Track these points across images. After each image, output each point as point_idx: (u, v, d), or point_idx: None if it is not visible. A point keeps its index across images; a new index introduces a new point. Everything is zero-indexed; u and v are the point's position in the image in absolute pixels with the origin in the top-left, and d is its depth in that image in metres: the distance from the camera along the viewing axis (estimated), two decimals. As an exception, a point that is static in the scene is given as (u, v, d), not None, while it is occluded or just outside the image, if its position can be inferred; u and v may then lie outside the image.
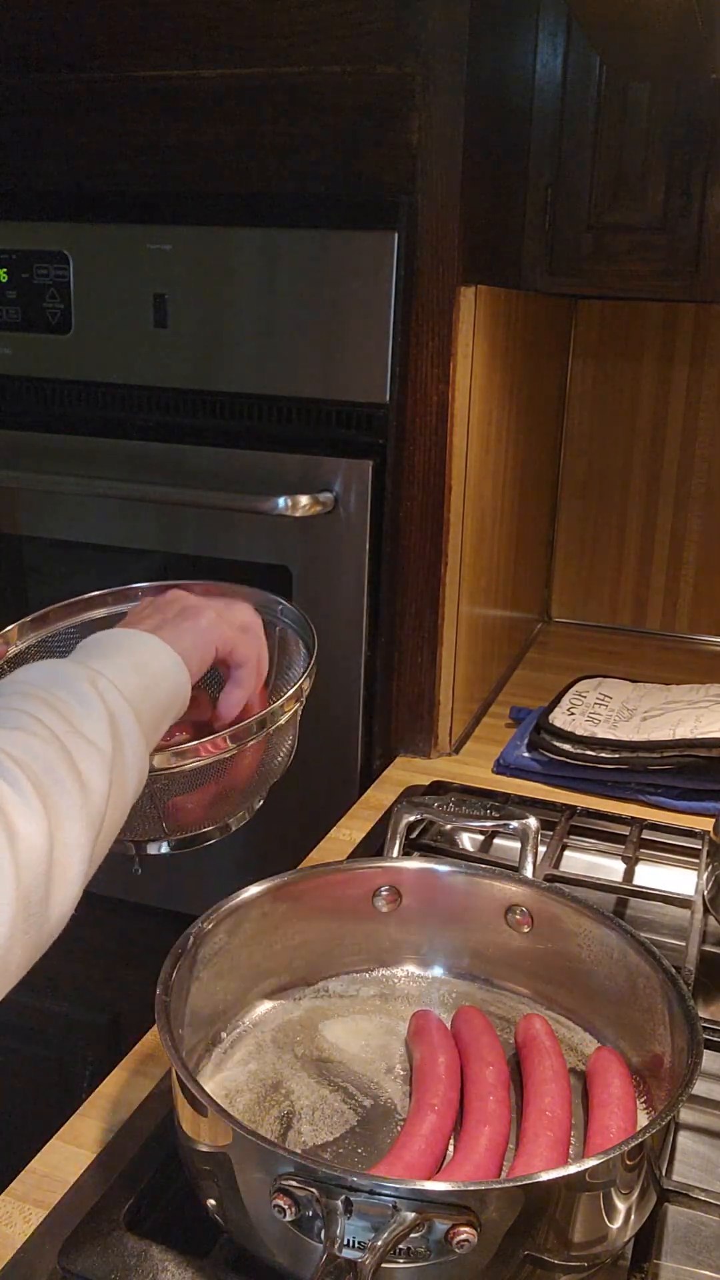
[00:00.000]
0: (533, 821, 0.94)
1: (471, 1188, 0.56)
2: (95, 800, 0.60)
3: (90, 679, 0.65)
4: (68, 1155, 0.74)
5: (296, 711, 0.82)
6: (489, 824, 0.98)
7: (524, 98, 1.39)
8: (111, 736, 0.63)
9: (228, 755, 0.77)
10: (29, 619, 0.90)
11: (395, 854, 0.93)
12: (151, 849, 0.81)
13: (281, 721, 0.80)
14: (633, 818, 1.14)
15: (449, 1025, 0.79)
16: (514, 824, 0.95)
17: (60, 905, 0.57)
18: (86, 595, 0.92)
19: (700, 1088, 0.80)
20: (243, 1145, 0.59)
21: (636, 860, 1.08)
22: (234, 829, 0.84)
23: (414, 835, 1.08)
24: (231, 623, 0.78)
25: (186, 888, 1.32)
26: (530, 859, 0.91)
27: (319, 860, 1.10)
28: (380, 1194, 0.55)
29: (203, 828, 0.82)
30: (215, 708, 0.79)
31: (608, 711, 1.37)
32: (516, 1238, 0.57)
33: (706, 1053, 0.71)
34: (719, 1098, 0.81)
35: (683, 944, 0.91)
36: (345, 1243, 0.56)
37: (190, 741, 0.75)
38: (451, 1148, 0.68)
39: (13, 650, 0.89)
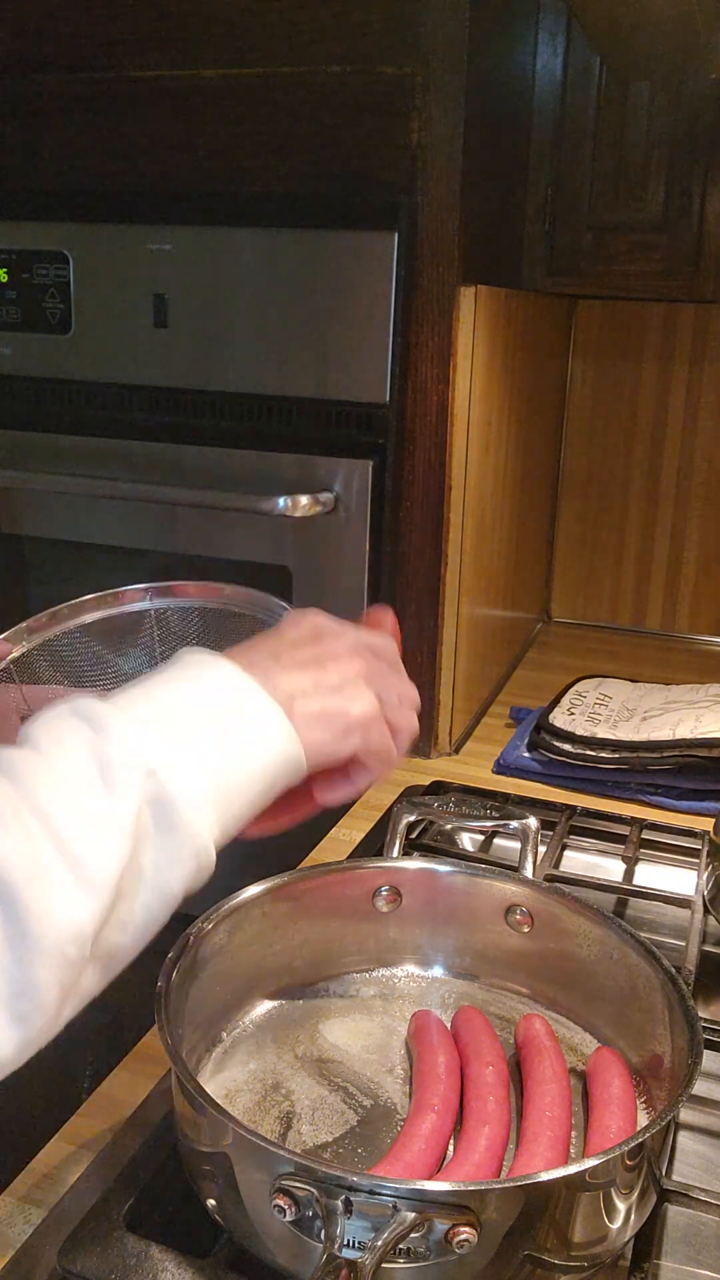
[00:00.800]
0: (533, 821, 0.94)
1: (471, 1188, 0.56)
2: (57, 930, 0.50)
3: (137, 751, 0.52)
4: (68, 1155, 0.74)
5: None
6: (489, 824, 0.98)
7: (524, 98, 1.39)
8: (130, 844, 0.52)
9: None
10: (40, 616, 0.90)
11: (395, 854, 0.93)
12: None
13: None
14: (633, 818, 1.13)
15: (449, 1025, 0.79)
16: (514, 824, 0.95)
17: None
18: (93, 595, 0.92)
19: (700, 1088, 0.80)
20: (243, 1145, 0.59)
21: (636, 860, 1.07)
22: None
23: (414, 835, 1.08)
24: (387, 701, 0.63)
25: (186, 888, 1.32)
26: (530, 859, 0.91)
27: (319, 860, 1.10)
28: (380, 1194, 0.55)
29: None
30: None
31: (608, 711, 1.37)
32: (516, 1238, 0.57)
33: (706, 1053, 0.71)
34: (719, 1098, 0.81)
35: (683, 944, 0.91)
36: (345, 1243, 0.56)
37: None
38: (451, 1148, 0.68)
39: (17, 652, 0.89)
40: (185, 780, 0.54)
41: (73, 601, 0.92)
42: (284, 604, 0.90)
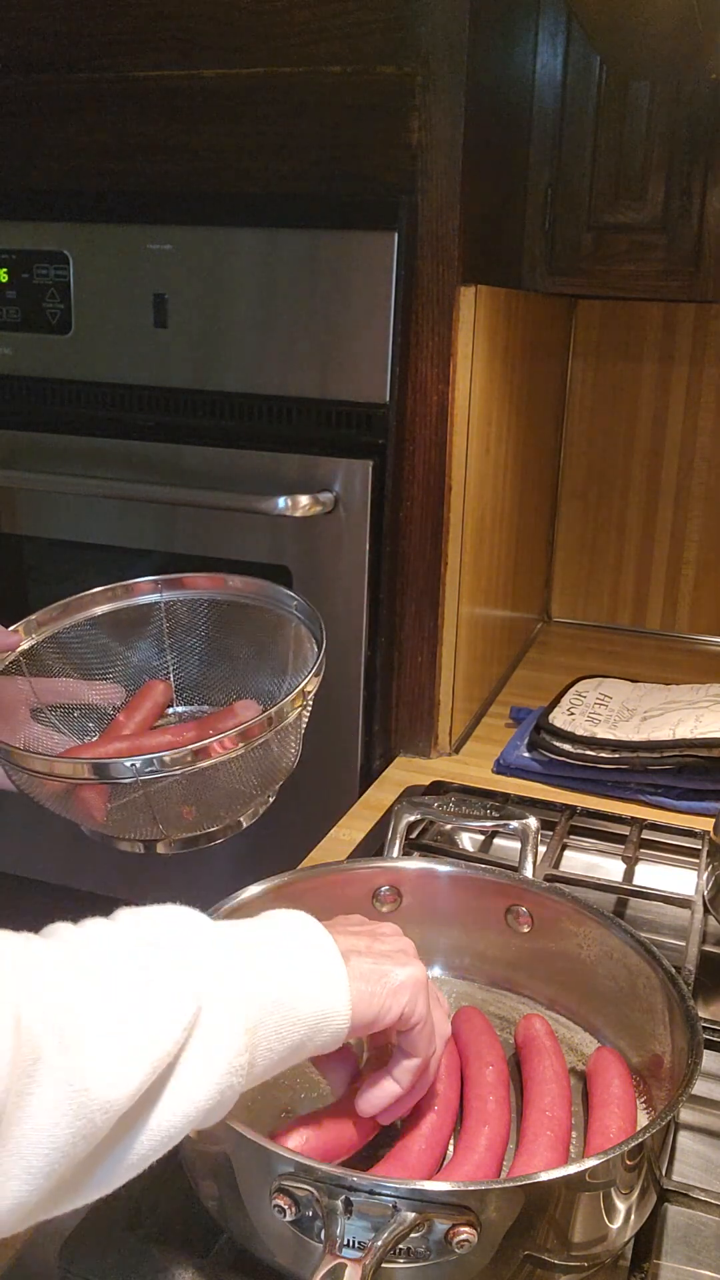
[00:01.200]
0: (533, 821, 0.94)
1: (471, 1188, 0.56)
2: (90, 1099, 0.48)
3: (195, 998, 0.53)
4: (68, 1155, 0.73)
5: (304, 710, 0.82)
6: (489, 824, 0.98)
7: (524, 98, 1.39)
8: (150, 1075, 0.51)
9: (235, 755, 0.76)
10: (49, 609, 0.90)
11: (395, 854, 0.93)
12: (160, 848, 0.81)
13: (289, 719, 0.79)
14: (633, 818, 1.13)
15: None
16: (514, 824, 0.95)
17: None
18: (102, 587, 0.92)
19: (700, 1088, 0.80)
20: (243, 1145, 0.59)
21: (636, 860, 1.07)
22: (245, 826, 0.84)
23: (414, 835, 1.08)
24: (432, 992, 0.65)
25: (186, 888, 1.32)
26: (530, 859, 0.91)
27: (319, 860, 1.10)
28: (380, 1194, 0.55)
29: (209, 827, 0.82)
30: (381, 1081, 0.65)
31: (608, 711, 1.37)
32: (516, 1238, 0.57)
33: (706, 1053, 0.71)
34: (719, 1098, 0.81)
35: (683, 944, 0.91)
36: (345, 1243, 0.56)
37: (197, 742, 0.75)
38: (451, 1148, 0.68)
39: (26, 644, 0.89)
40: (227, 1008, 0.55)
41: (82, 594, 0.92)
42: (293, 595, 0.90)
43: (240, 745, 0.76)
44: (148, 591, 0.94)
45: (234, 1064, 0.54)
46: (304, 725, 0.84)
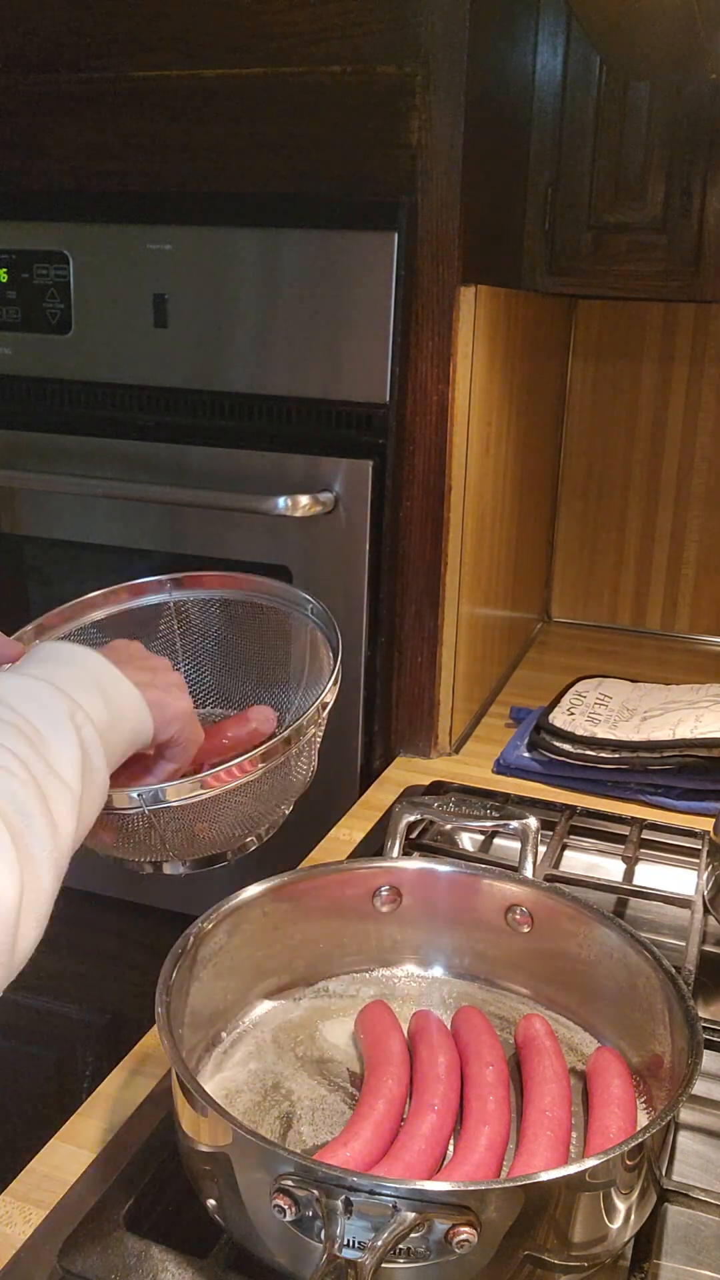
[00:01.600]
0: (533, 821, 0.94)
1: (471, 1188, 0.56)
2: (64, 843, 0.62)
3: (70, 712, 0.66)
4: (68, 1155, 0.74)
5: (319, 726, 0.81)
6: (489, 824, 0.98)
7: (524, 97, 1.39)
8: (82, 774, 0.64)
9: (253, 778, 0.76)
10: (51, 614, 0.89)
11: (395, 854, 0.93)
12: (168, 869, 0.81)
13: (308, 736, 0.79)
14: (633, 818, 1.14)
15: (449, 1025, 0.79)
16: (514, 824, 0.95)
17: (25, 946, 0.58)
18: (105, 589, 0.92)
19: (700, 1088, 0.80)
20: (243, 1145, 0.59)
21: (636, 860, 1.08)
22: (252, 849, 0.83)
23: (414, 835, 1.08)
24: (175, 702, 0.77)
25: (186, 888, 1.31)
26: (530, 859, 0.91)
27: (319, 860, 1.10)
28: (380, 1194, 0.55)
29: (221, 849, 0.81)
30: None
31: (608, 711, 1.37)
32: (516, 1238, 0.57)
33: (706, 1053, 0.72)
34: (719, 1098, 0.81)
35: (683, 944, 0.91)
36: (345, 1243, 0.56)
37: (211, 769, 0.74)
38: (451, 1148, 0.68)
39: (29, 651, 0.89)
40: (99, 731, 0.67)
41: (85, 597, 0.91)
42: (311, 600, 0.89)
43: (259, 768, 0.75)
44: (155, 591, 0.93)
45: (104, 784, 0.67)
46: (319, 740, 0.84)
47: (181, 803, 0.73)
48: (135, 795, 0.73)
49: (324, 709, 0.80)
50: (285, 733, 0.77)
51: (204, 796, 0.74)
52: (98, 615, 0.91)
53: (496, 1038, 0.76)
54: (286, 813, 0.84)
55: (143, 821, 0.74)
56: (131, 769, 0.76)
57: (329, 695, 0.80)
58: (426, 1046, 0.75)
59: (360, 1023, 0.79)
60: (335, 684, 0.81)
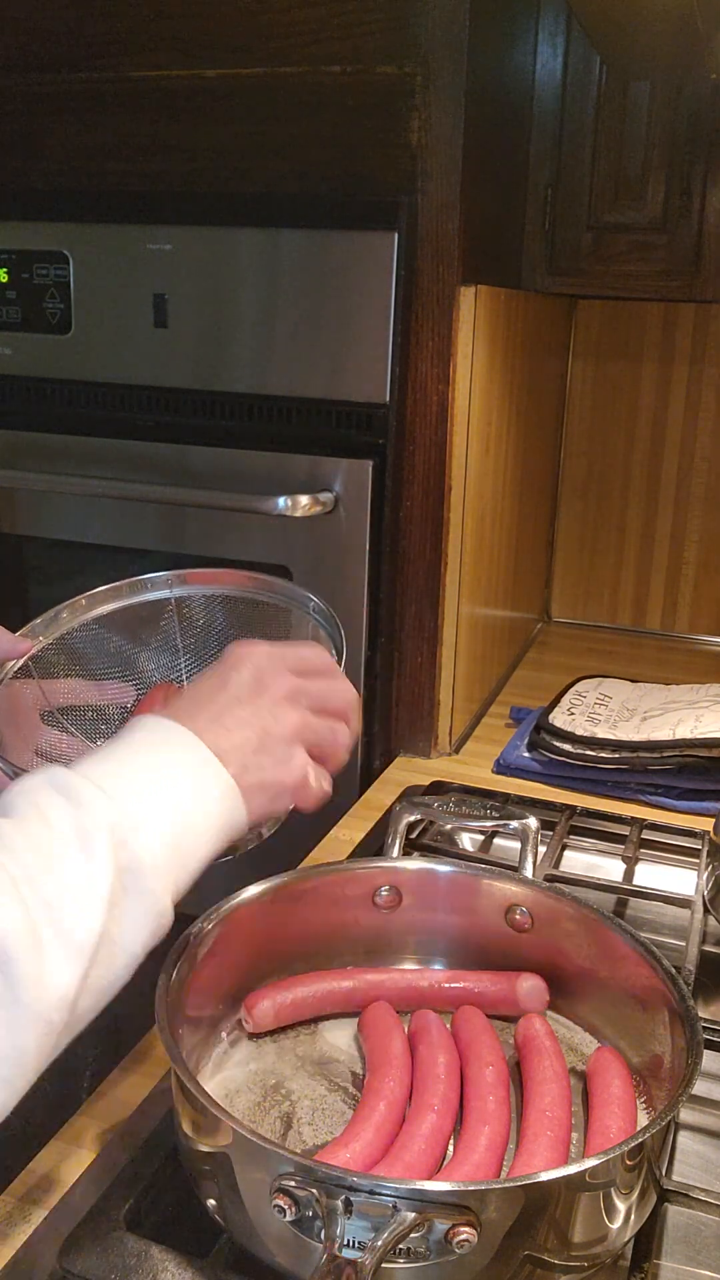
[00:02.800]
0: (533, 821, 0.94)
1: (471, 1188, 0.56)
2: (50, 996, 0.53)
3: (111, 824, 0.57)
4: (68, 1155, 0.74)
5: None
6: (489, 824, 0.97)
7: (524, 98, 1.39)
8: (107, 906, 0.56)
9: None
10: (57, 609, 0.89)
11: (395, 854, 0.93)
12: None
13: None
14: (633, 818, 1.14)
15: (449, 1025, 0.79)
16: (514, 824, 0.95)
17: None
18: (109, 585, 0.91)
19: (700, 1088, 0.80)
20: (243, 1145, 0.59)
21: (636, 860, 1.07)
22: (266, 836, 0.83)
23: (414, 835, 1.08)
24: (320, 744, 0.70)
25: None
26: (530, 859, 0.91)
27: (319, 860, 1.10)
28: (380, 1194, 0.55)
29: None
30: None
31: (608, 711, 1.37)
32: (516, 1238, 0.57)
33: (706, 1053, 0.71)
34: (719, 1098, 0.81)
35: (683, 944, 0.91)
36: (345, 1243, 0.56)
37: None
38: (451, 1147, 0.68)
39: (38, 646, 0.89)
40: (150, 848, 0.59)
41: (89, 593, 0.91)
42: (313, 598, 0.89)
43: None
44: (158, 588, 0.93)
45: (159, 907, 0.59)
46: None
47: None
48: None
49: None
50: None
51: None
52: (101, 611, 0.91)
53: (496, 1038, 0.76)
54: (284, 816, 0.84)
55: None
56: None
57: None
58: (426, 1046, 0.75)
59: (363, 1024, 0.79)
60: None
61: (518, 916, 0.83)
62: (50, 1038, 0.53)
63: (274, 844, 1.10)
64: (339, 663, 0.81)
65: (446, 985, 0.82)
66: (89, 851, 0.56)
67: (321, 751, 0.71)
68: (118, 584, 0.92)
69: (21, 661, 0.87)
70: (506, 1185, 0.57)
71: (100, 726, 0.91)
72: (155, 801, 0.60)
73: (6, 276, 1.35)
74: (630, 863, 1.07)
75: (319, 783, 0.70)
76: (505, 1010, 0.81)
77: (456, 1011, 0.80)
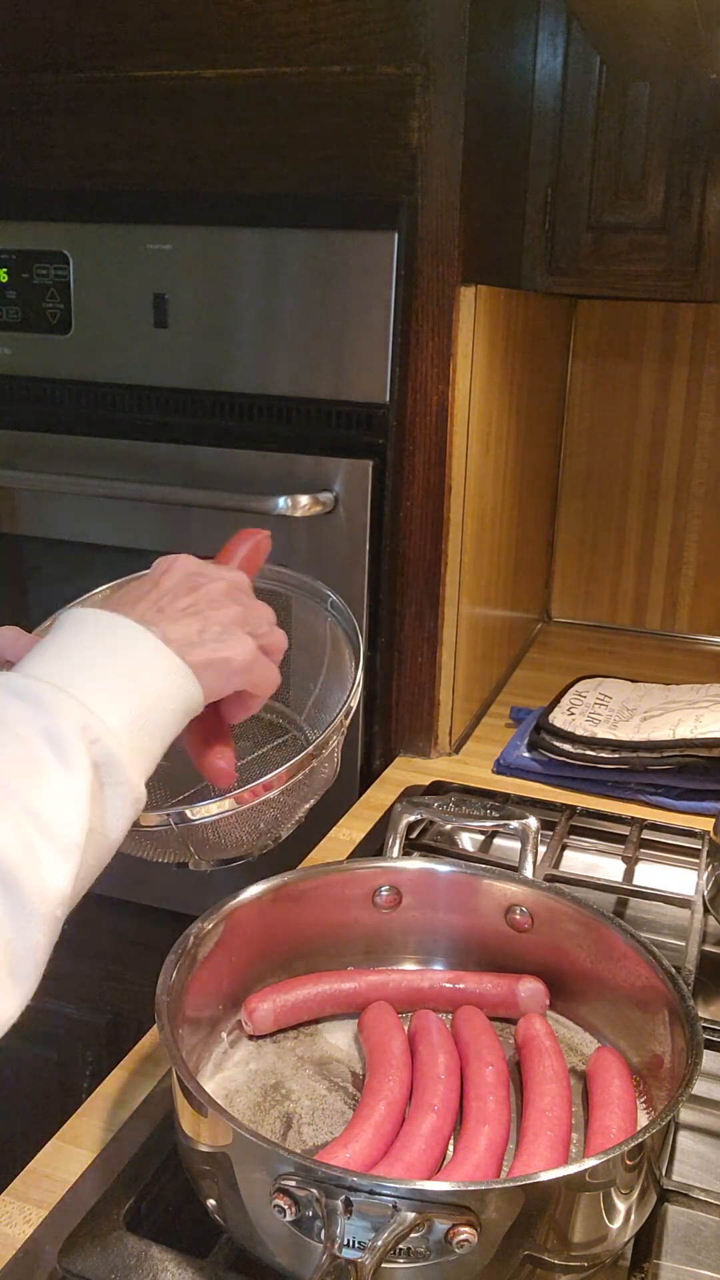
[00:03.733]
0: (533, 821, 0.94)
1: (471, 1188, 0.56)
2: (51, 896, 0.55)
3: (79, 726, 0.58)
4: (68, 1155, 0.74)
5: (343, 732, 0.80)
6: (489, 824, 0.98)
7: (524, 98, 1.39)
8: (89, 799, 0.57)
9: (280, 791, 0.75)
10: (76, 604, 0.89)
11: (395, 854, 0.93)
12: (192, 866, 0.80)
13: (332, 746, 0.78)
14: (633, 818, 1.14)
15: (449, 1025, 0.79)
16: (514, 824, 0.95)
17: None
18: (118, 581, 0.91)
19: (700, 1088, 0.80)
20: (243, 1145, 0.59)
21: (636, 860, 1.07)
22: (283, 838, 0.83)
23: (414, 835, 1.08)
24: (258, 636, 0.70)
25: (186, 888, 1.31)
26: (530, 859, 0.91)
27: (319, 860, 1.10)
28: (380, 1194, 0.55)
29: (241, 851, 0.81)
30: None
31: (608, 711, 1.37)
32: (516, 1238, 0.57)
33: (706, 1053, 0.71)
34: (719, 1098, 0.81)
35: (683, 944, 0.91)
36: (345, 1243, 0.56)
37: (233, 791, 0.73)
38: (451, 1147, 0.68)
39: None
40: (120, 739, 0.60)
41: (102, 588, 0.91)
42: (331, 594, 0.88)
43: (286, 783, 0.74)
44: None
45: (135, 794, 0.60)
46: (341, 741, 0.82)
47: (209, 820, 0.73)
48: (164, 815, 0.72)
49: (348, 716, 0.79)
50: (311, 747, 0.76)
51: (232, 813, 0.73)
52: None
53: (496, 1037, 0.76)
54: (306, 811, 0.84)
55: (173, 835, 0.74)
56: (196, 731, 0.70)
57: (353, 702, 0.79)
58: (426, 1046, 0.75)
59: (362, 1024, 0.79)
60: (358, 689, 0.80)
61: (518, 916, 0.83)
62: (54, 930, 0.56)
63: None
64: (357, 668, 0.81)
65: (447, 986, 0.82)
66: (64, 756, 0.57)
67: (263, 643, 0.71)
68: (130, 578, 0.92)
69: None
70: (506, 1185, 0.57)
71: None
72: (116, 692, 0.61)
73: (6, 276, 1.35)
74: (630, 863, 1.07)
75: (264, 672, 0.70)
76: (505, 1012, 0.81)
77: (456, 1011, 0.80)
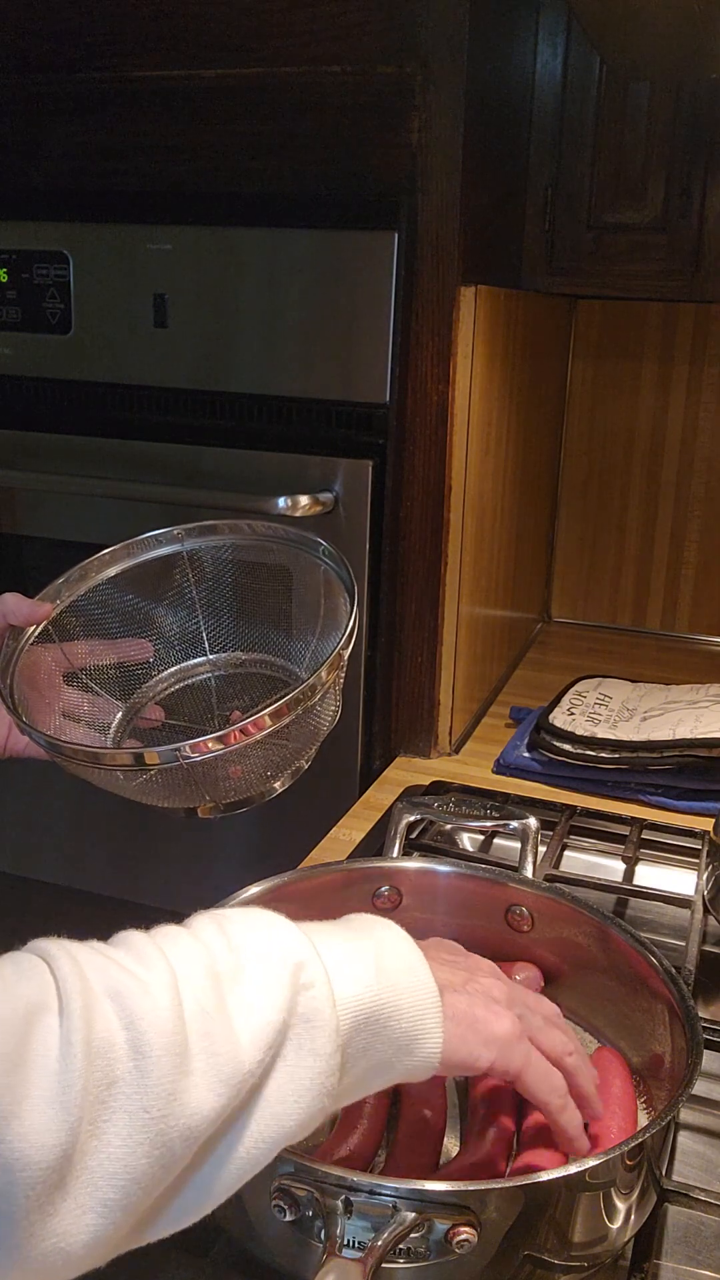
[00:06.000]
0: (533, 821, 0.94)
1: (471, 1188, 0.56)
2: (179, 1122, 0.45)
3: (300, 960, 0.51)
4: (68, 1155, 0.73)
5: (339, 675, 0.80)
6: (489, 824, 0.98)
7: (524, 98, 1.39)
8: (270, 1045, 0.49)
9: (270, 731, 0.75)
10: (71, 572, 0.90)
11: (395, 854, 0.93)
12: (201, 814, 0.81)
13: (321, 693, 0.77)
14: (633, 818, 1.13)
15: None
16: (514, 824, 0.95)
17: (48, 1244, 0.43)
18: (120, 544, 0.92)
19: (700, 1088, 0.80)
20: (243, 1145, 0.59)
21: (636, 860, 1.07)
22: (279, 791, 0.83)
23: (414, 835, 1.08)
24: (532, 1024, 0.61)
25: (186, 888, 1.32)
26: (530, 859, 0.91)
27: (319, 860, 1.10)
28: (380, 1194, 0.55)
29: (248, 793, 0.81)
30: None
31: (608, 711, 1.37)
32: (516, 1238, 0.57)
33: (706, 1053, 0.71)
34: (719, 1098, 0.81)
35: (683, 944, 0.91)
36: (345, 1243, 0.55)
37: (227, 728, 0.74)
38: (456, 1143, 0.68)
39: (57, 610, 0.89)
40: (335, 1007, 0.52)
41: (103, 552, 0.92)
42: (322, 541, 0.88)
43: (283, 720, 0.74)
44: (170, 542, 0.93)
45: (325, 1085, 0.50)
46: (341, 683, 0.82)
47: (201, 758, 0.73)
48: (156, 753, 0.73)
49: (344, 652, 0.79)
50: (302, 684, 0.75)
51: (223, 752, 0.73)
52: (114, 571, 0.92)
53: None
54: (306, 765, 0.84)
55: (179, 777, 0.75)
56: None
57: (348, 640, 0.79)
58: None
59: None
60: (353, 625, 0.80)
61: (518, 916, 0.83)
62: (168, 1169, 0.46)
63: (274, 844, 1.11)
64: (352, 608, 0.81)
65: None
66: (267, 981, 0.49)
67: (537, 1039, 0.60)
68: (128, 542, 0.92)
69: (42, 626, 0.88)
70: (506, 1185, 0.57)
71: (123, 682, 0.92)
72: (354, 966, 0.53)
73: (6, 276, 1.35)
74: (630, 863, 1.07)
75: (530, 1061, 0.59)
76: None
77: None
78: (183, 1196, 0.48)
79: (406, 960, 0.56)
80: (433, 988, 0.55)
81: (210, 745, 0.73)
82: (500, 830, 1.05)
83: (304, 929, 0.54)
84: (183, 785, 0.77)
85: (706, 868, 1.00)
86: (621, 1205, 0.61)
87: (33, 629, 0.87)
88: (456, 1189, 0.56)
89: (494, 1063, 0.57)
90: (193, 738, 0.73)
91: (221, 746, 0.73)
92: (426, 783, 1.24)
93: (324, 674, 0.77)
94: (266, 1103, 0.49)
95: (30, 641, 0.87)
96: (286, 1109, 0.49)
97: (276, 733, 0.75)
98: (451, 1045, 0.56)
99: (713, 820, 1.00)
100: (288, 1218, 0.57)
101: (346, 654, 0.80)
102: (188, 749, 0.72)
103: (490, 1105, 0.70)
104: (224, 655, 0.94)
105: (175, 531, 0.93)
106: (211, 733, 0.73)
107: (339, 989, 0.52)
